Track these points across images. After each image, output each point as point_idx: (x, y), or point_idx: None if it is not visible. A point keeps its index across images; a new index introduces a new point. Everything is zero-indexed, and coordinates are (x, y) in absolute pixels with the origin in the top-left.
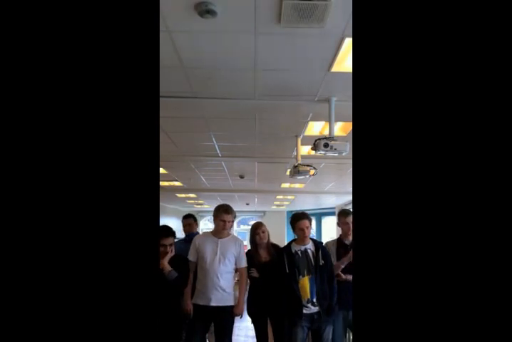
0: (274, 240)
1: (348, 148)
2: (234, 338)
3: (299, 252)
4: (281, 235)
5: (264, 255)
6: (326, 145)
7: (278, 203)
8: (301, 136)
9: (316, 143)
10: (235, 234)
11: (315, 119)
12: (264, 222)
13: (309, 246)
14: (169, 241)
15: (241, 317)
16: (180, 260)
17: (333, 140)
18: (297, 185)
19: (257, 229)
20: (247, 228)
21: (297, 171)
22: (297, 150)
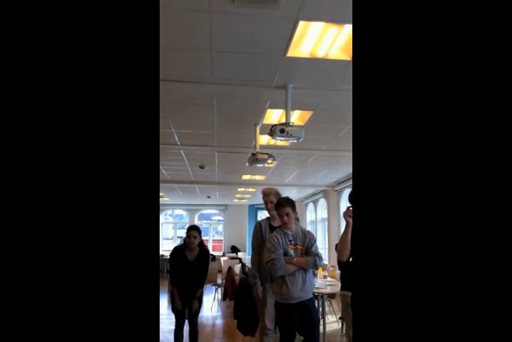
0: (234, 235)
1: (303, 134)
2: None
3: None
4: (242, 230)
5: None
6: (282, 131)
7: (240, 196)
8: (260, 124)
9: (273, 129)
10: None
11: (273, 106)
12: (226, 216)
13: None
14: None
15: None
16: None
17: (289, 126)
18: (258, 177)
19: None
20: (208, 222)
21: (255, 159)
22: (255, 138)
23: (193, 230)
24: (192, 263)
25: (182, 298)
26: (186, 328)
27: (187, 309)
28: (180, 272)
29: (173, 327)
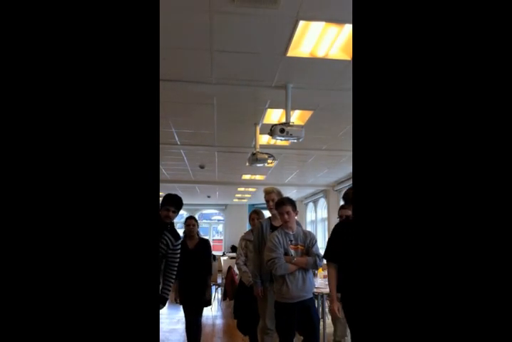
0: (235, 234)
1: (303, 134)
2: None
3: None
4: (242, 230)
5: None
6: (282, 130)
7: (240, 196)
8: (260, 124)
9: (273, 129)
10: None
11: (273, 106)
12: (226, 216)
13: None
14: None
15: None
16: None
17: (289, 125)
18: (258, 177)
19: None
20: (208, 222)
21: (255, 159)
22: (255, 138)
23: (190, 219)
24: (193, 252)
25: (190, 288)
26: (185, 327)
27: (195, 300)
28: (182, 261)
29: (173, 326)
